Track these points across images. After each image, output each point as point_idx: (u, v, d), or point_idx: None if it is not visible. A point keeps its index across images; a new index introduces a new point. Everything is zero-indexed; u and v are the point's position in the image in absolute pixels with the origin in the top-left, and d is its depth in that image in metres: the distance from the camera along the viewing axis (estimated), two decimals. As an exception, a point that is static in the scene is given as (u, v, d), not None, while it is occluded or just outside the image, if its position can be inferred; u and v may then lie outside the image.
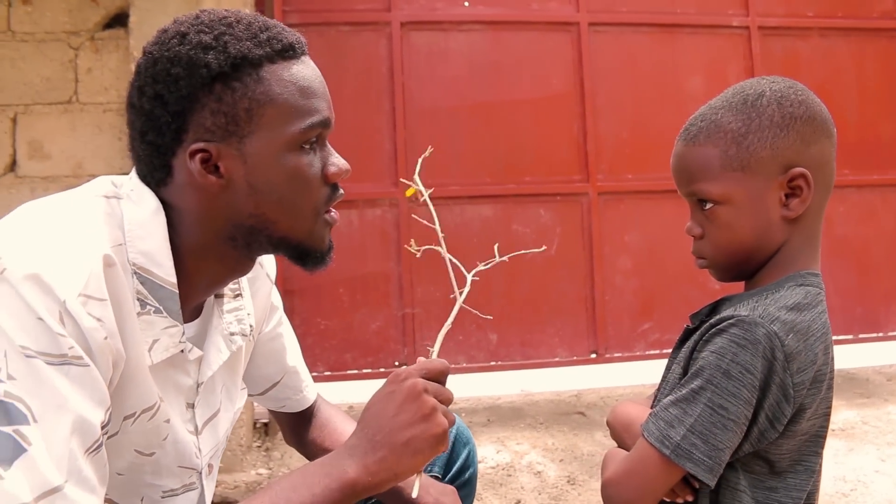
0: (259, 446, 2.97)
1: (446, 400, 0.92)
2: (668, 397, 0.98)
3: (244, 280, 1.08)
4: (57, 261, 0.78)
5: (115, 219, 0.88)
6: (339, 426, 1.28)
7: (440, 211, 3.77)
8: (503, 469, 2.56)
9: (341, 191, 0.97)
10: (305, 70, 0.93)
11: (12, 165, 2.95)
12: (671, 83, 3.58)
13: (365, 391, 3.03)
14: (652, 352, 3.45)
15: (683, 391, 0.96)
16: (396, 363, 3.37)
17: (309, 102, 0.91)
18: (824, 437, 1.02)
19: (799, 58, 3.72)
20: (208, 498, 1.06)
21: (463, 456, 1.30)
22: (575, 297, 3.48)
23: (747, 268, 1.06)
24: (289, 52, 0.92)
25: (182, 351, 0.94)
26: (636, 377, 3.27)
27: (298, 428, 1.28)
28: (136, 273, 0.88)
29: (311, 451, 1.27)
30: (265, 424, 3.11)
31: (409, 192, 1.15)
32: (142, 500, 0.97)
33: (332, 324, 3.37)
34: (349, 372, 3.36)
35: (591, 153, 3.50)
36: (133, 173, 0.94)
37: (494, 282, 3.43)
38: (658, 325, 3.48)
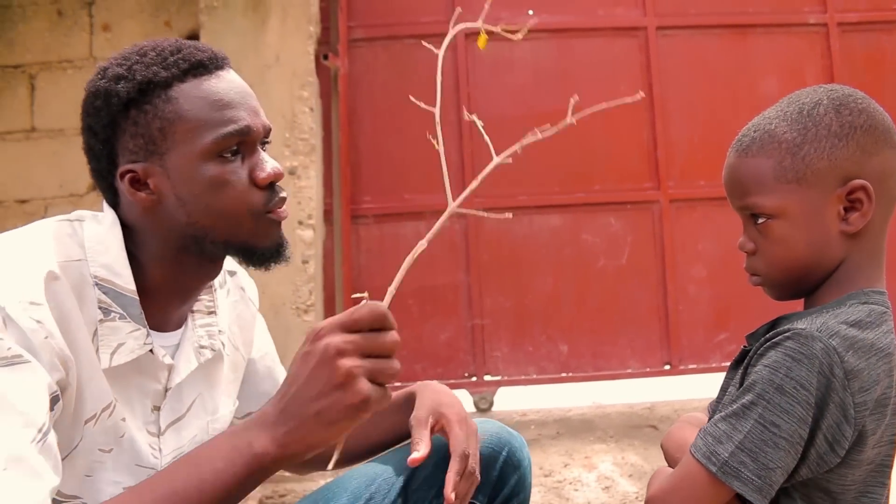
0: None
1: (382, 350, 0.81)
2: (719, 413, 0.93)
3: (221, 298, 1.14)
4: (2, 274, 0.85)
5: (75, 238, 0.95)
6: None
7: (508, 223, 3.73)
8: (570, 483, 2.51)
9: (282, 193, 1.01)
10: (218, 84, 0.98)
11: (95, 185, 3.06)
12: (745, 85, 3.47)
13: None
14: (728, 363, 3.32)
15: (734, 406, 0.91)
16: (466, 374, 3.36)
17: (221, 114, 0.96)
18: (890, 468, 0.95)
19: (883, 54, 3.56)
20: None
21: (511, 482, 1.21)
22: (647, 308, 3.40)
23: (804, 286, 1.00)
24: (198, 70, 0.97)
25: (151, 352, 0.99)
26: (711, 390, 3.13)
27: None
28: (97, 284, 0.94)
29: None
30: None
31: (481, 43, 1.14)
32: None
33: (402, 335, 3.28)
34: (419, 383, 3.37)
35: (661, 160, 3.42)
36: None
37: (564, 292, 3.39)
38: (734, 335, 3.37)
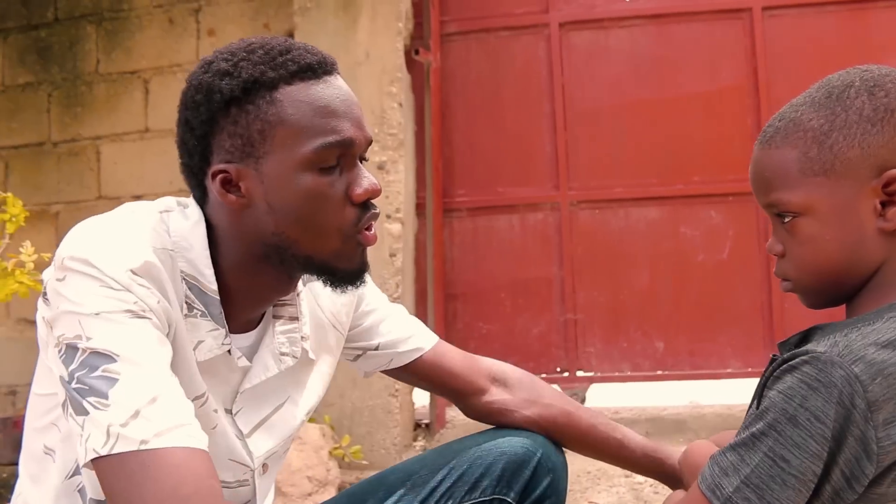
0: (422, 446, 3.05)
1: None
2: (733, 440, 0.86)
3: (304, 301, 1.11)
4: (105, 250, 0.88)
5: (164, 228, 0.96)
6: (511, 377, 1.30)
7: (603, 215, 3.66)
8: (651, 485, 2.44)
9: (375, 210, 0.97)
10: (325, 90, 0.94)
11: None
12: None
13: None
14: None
15: (745, 434, 0.84)
16: (558, 369, 3.32)
17: (325, 122, 0.93)
18: None
19: None
20: (260, 497, 1.10)
21: (544, 484, 1.22)
22: (750, 305, 3.23)
23: (839, 292, 0.91)
24: (307, 73, 0.93)
25: (229, 352, 0.99)
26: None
27: (463, 400, 1.29)
28: (184, 279, 0.95)
29: (500, 419, 1.28)
30: (427, 425, 3.19)
31: None
32: None
33: (494, 328, 3.38)
34: (510, 377, 3.36)
35: (767, 148, 3.23)
36: None
37: (661, 288, 3.28)
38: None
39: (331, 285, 0.99)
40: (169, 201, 1.00)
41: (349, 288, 1.00)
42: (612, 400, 3.27)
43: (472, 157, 3.41)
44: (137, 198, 3.32)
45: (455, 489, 1.20)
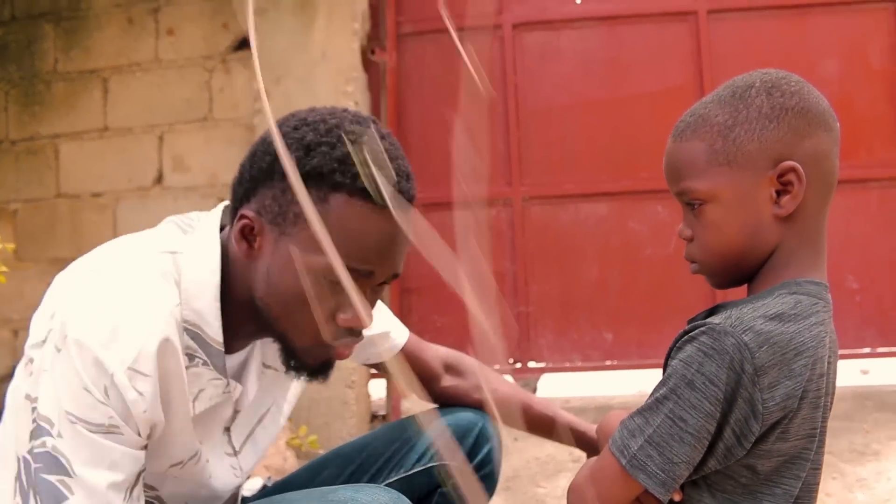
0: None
1: None
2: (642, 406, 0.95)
3: None
4: (113, 335, 0.85)
5: (172, 276, 0.94)
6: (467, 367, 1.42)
7: (554, 210, 3.74)
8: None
9: (359, 337, 0.99)
10: (380, 225, 0.93)
11: (159, 178, 3.30)
12: (802, 69, 3.27)
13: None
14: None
15: (650, 399, 0.93)
16: (511, 360, 3.42)
17: (356, 252, 0.92)
18: (808, 460, 0.95)
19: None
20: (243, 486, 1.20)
21: (484, 450, 1.34)
22: (695, 297, 3.34)
23: (740, 272, 1.00)
24: (372, 199, 0.92)
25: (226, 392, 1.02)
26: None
27: (424, 383, 1.38)
28: (187, 329, 0.94)
29: (452, 400, 1.39)
30: (383, 416, 3.27)
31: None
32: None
33: (449, 321, 3.47)
34: (465, 368, 3.45)
35: (711, 146, 3.35)
36: (215, 211, 1.03)
37: (610, 281, 3.39)
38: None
39: (292, 371, 1.01)
40: (173, 234, 0.99)
41: (303, 377, 1.02)
42: (562, 390, 3.38)
43: (427, 155, 3.48)
44: (97, 196, 3.36)
45: (406, 458, 1.32)
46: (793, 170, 0.92)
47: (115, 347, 0.85)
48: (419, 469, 1.31)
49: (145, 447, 0.90)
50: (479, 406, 1.38)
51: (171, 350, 0.89)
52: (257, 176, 0.95)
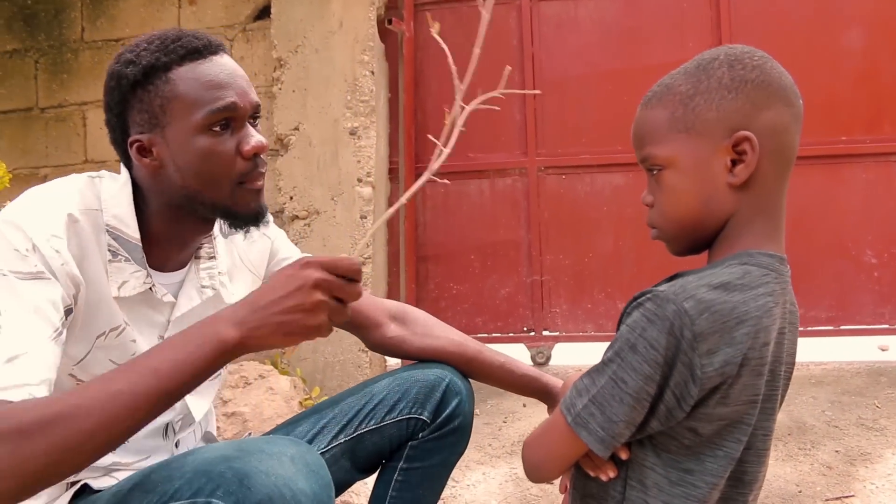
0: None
1: (349, 296, 1.00)
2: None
3: (220, 245, 1.31)
4: (32, 213, 1.06)
5: (93, 191, 1.15)
6: (419, 319, 1.48)
7: (569, 180, 3.76)
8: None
9: (262, 168, 1.17)
10: (210, 67, 1.14)
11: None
12: (825, 39, 3.30)
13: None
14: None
15: (598, 362, 0.97)
16: (525, 328, 3.46)
17: (211, 93, 1.12)
18: (749, 425, 0.98)
19: None
20: (196, 411, 1.29)
21: (452, 404, 1.39)
22: (708, 267, 3.35)
23: (697, 239, 1.03)
24: (194, 55, 1.13)
25: (151, 289, 1.18)
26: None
27: (364, 333, 1.46)
28: (108, 231, 1.14)
29: (396, 350, 1.47)
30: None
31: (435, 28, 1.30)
32: None
33: (464, 289, 3.52)
34: (479, 335, 3.50)
35: (729, 117, 3.32)
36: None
37: (624, 251, 3.40)
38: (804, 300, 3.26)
39: (234, 227, 1.19)
40: (104, 172, 1.20)
41: (251, 227, 1.20)
42: (576, 358, 3.40)
43: (443, 124, 3.52)
44: (121, 161, 3.45)
45: (376, 411, 1.40)
46: (747, 139, 0.95)
47: (34, 218, 1.04)
48: (390, 421, 1.38)
49: (70, 310, 1.05)
50: (422, 353, 1.45)
51: (80, 226, 1.08)
52: (118, 111, 1.14)
